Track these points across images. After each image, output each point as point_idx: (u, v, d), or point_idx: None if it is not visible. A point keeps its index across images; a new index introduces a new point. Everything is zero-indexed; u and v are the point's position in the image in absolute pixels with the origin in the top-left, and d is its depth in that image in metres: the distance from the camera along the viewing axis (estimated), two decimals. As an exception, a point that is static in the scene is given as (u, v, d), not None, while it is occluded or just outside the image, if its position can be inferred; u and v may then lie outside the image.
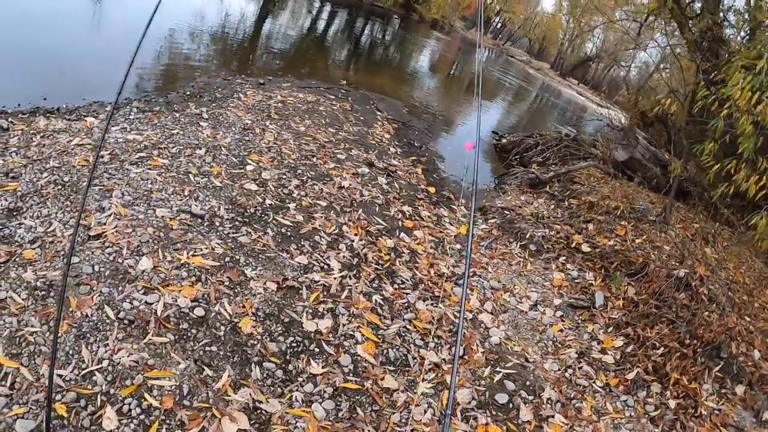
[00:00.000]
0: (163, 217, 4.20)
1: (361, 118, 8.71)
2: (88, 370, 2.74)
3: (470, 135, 11.79)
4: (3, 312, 2.89)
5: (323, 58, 15.33)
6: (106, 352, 2.86)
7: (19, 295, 3.02)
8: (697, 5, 8.42)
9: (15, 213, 3.75)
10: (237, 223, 4.52)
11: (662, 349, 4.64)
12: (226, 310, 3.46)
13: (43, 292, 3.09)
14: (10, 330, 2.82)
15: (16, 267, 3.22)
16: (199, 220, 4.36)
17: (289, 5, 23.79)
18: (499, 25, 74.45)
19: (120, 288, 3.31)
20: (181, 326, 3.20)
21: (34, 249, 3.42)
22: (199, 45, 12.16)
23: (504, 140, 11.36)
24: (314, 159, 6.37)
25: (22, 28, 10.28)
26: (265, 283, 3.86)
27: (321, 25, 22.76)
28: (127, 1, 18.78)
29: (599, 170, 9.00)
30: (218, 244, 4.11)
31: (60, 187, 4.22)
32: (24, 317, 2.91)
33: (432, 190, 6.99)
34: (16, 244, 3.43)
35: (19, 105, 6.03)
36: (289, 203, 5.11)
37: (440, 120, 12.22)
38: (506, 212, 7.06)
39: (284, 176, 5.62)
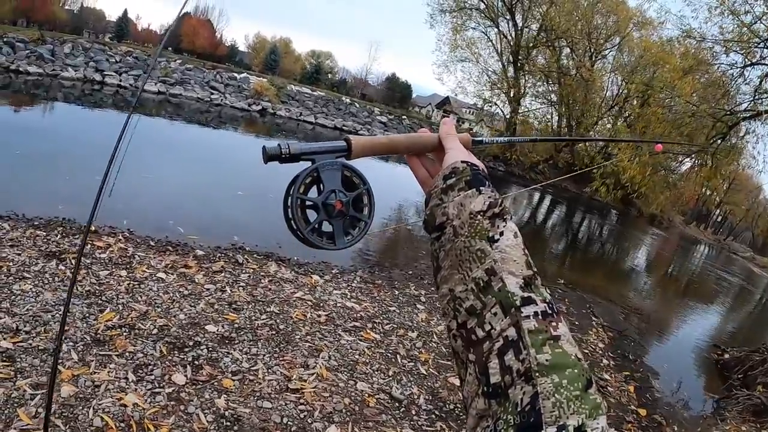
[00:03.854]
0: (362, 391, 3.83)
1: (576, 323, 7.94)
2: None
3: (689, 346, 10.39)
4: (186, 424, 2.67)
5: (541, 251, 14.97)
6: None
7: (206, 416, 2.78)
8: None
9: (227, 342, 3.69)
10: (434, 416, 3.95)
11: None
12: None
13: (228, 423, 2.82)
14: (187, 441, 2.58)
15: (212, 390, 3.06)
16: (397, 404, 3.90)
17: (510, 193, 24.54)
18: (720, 218, 69.17)
19: (302, 448, 2.89)
20: None
21: (233, 380, 3.24)
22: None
23: (727, 356, 9.49)
24: (523, 362, 5.72)
25: (284, 180, 11.65)
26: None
27: (540, 216, 22.85)
28: (366, 169, 21.16)
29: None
30: (410, 433, 3.57)
31: (274, 332, 4.14)
32: (203, 437, 2.63)
33: (643, 412, 5.82)
34: (219, 370, 3.30)
35: (257, 246, 6.52)
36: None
37: (656, 329, 10.78)
38: (724, 448, 5.58)
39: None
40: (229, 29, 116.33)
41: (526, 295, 0.64)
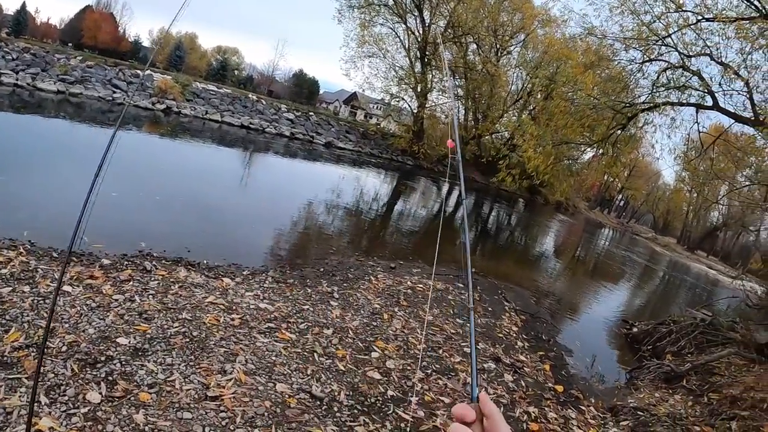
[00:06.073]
0: (282, 392, 3.85)
1: (490, 309, 8.22)
2: None
3: (599, 323, 11.10)
4: (106, 446, 2.56)
5: (453, 242, 15.42)
6: None
7: (126, 435, 2.70)
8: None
9: (140, 354, 3.60)
10: (356, 411, 4.03)
11: None
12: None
13: (149, 439, 2.74)
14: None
15: (129, 406, 2.99)
16: (318, 402, 3.94)
17: (419, 187, 24.99)
18: (622, 203, 74.10)
19: (226, 456, 2.88)
20: None
21: (150, 393, 3.18)
22: (334, 220, 12.81)
23: (635, 329, 10.24)
24: (440, 351, 5.88)
25: (188, 182, 11.44)
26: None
27: (450, 207, 23.39)
28: (273, 167, 21.01)
29: (740, 357, 7.68)
30: (333, 430, 3.62)
31: (188, 340, 4.08)
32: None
33: (560, 388, 6.13)
34: (135, 384, 3.23)
35: (164, 251, 6.35)
36: (411, 396, 4.57)
37: (567, 309, 11.38)
38: (639, 413, 6.02)
39: (409, 367, 5.14)
40: (132, 23, 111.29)
41: None
